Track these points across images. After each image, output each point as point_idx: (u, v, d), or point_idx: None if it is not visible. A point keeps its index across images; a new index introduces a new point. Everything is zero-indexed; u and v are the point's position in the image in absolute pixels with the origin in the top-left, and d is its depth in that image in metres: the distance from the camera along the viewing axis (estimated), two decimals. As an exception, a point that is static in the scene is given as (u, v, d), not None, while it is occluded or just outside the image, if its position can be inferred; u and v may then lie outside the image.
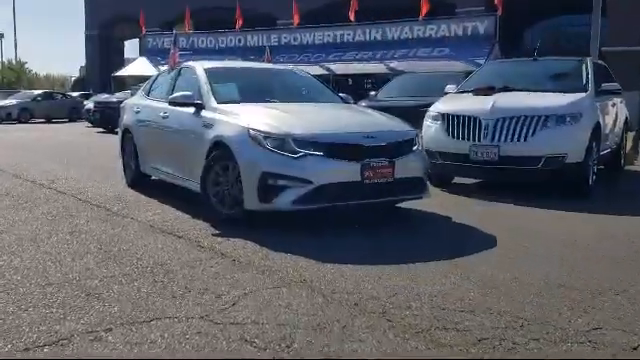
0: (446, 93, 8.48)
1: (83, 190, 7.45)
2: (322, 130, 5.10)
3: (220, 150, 5.34)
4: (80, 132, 20.17)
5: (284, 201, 4.90)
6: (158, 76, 7.76)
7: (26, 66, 62.48)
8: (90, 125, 22.49)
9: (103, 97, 25.60)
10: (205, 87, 6.05)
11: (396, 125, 5.69)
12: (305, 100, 6.34)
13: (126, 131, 7.76)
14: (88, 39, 43.47)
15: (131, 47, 47.28)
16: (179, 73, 6.92)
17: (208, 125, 5.62)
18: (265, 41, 30.19)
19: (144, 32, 34.71)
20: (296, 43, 28.99)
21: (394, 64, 24.66)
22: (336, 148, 4.96)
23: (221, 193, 5.40)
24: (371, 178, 4.98)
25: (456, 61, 23.31)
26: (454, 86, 8.68)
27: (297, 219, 5.39)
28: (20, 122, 27.32)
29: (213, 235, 5.02)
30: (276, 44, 28.91)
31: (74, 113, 28.86)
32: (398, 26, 26.67)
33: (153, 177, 7.33)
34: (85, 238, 4.92)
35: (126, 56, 45.89)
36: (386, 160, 5.07)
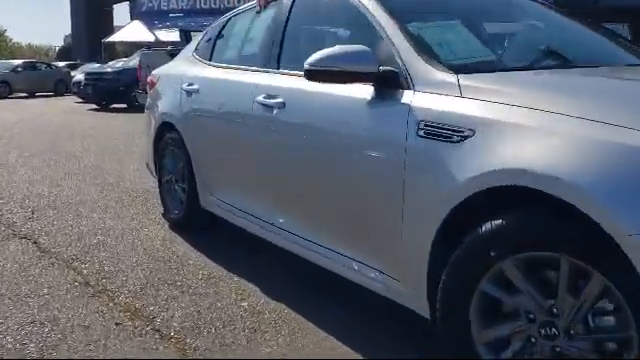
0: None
1: (87, 243, 3.84)
2: None
3: (535, 221, 1.74)
4: (69, 110, 16.39)
5: None
6: (228, 22, 4.01)
7: (6, 34, 57.72)
8: (80, 100, 18.74)
9: (94, 67, 21.87)
10: (401, 36, 2.38)
11: None
12: (603, 60, 2.68)
13: (166, 128, 4.10)
14: (74, 3, 39.13)
15: (119, 14, 42.85)
16: (291, 9, 3.20)
17: (443, 131, 2.00)
18: None
19: (137, -8, 30.68)
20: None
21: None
22: None
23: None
24: None
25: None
26: None
27: None
28: (-2, 97, 23.50)
29: None
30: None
31: (60, 86, 25.09)
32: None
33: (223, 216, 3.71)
34: None
35: (115, 24, 41.60)
36: None
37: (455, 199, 1.92)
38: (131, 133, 10.04)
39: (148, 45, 20.65)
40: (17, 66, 25.97)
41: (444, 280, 1.93)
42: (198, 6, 28.99)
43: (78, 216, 4.57)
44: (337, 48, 2.35)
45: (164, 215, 4.44)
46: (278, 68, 3.08)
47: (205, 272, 3.30)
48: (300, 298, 2.88)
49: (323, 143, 2.59)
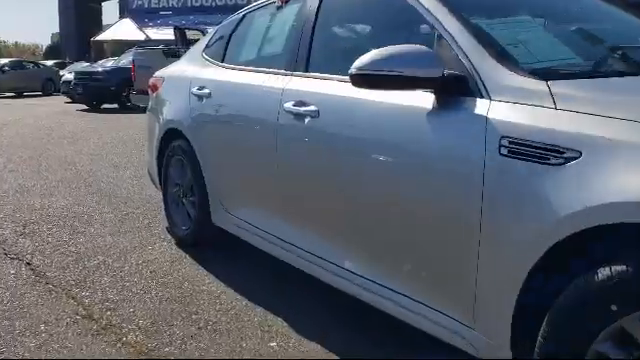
0: None
1: (86, 265, 3.46)
2: None
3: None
4: (59, 111, 15.89)
5: None
6: (243, 18, 3.60)
7: (-8, 33, 56.79)
8: (69, 100, 18.26)
9: (84, 66, 21.38)
10: (467, 34, 2.01)
11: None
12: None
13: (173, 135, 3.71)
14: (62, 1, 38.48)
15: (107, 12, 42.23)
16: (320, 3, 2.80)
17: (536, 150, 1.66)
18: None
19: (127, -11, 30.18)
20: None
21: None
22: None
23: None
24: None
25: None
26: None
27: None
28: (-16, 97, 22.93)
29: None
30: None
31: (49, 85, 24.48)
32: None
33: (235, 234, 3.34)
34: None
35: (104, 22, 40.99)
36: None
37: (554, 236, 1.56)
38: (124, 136, 9.65)
39: (141, 44, 20.15)
40: (4, 65, 25.37)
41: (545, 337, 1.57)
42: (190, 4, 28.51)
43: (74, 231, 4.17)
44: (392, 49, 1.98)
45: (169, 230, 4.06)
46: (307, 71, 2.71)
47: (223, 301, 2.92)
48: (336, 334, 2.52)
49: (370, 160, 2.21)
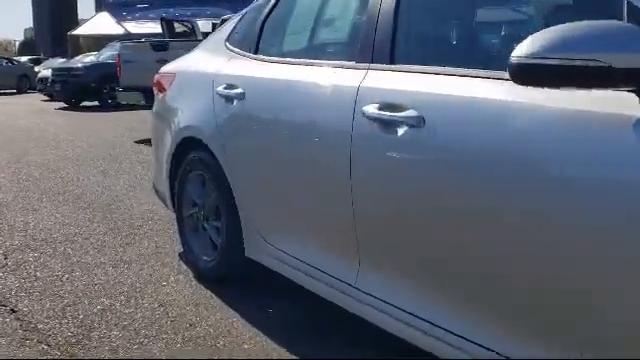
0: None
1: (88, 312, 2.79)
2: None
3: None
4: (36, 109, 14.99)
5: None
6: None
7: (-38, 28, 55.11)
8: (46, 98, 17.38)
9: (60, 62, 20.46)
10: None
11: None
12: None
13: (191, 145, 2.99)
14: (35, -6, 37.28)
15: (82, 6, 41.02)
16: None
17: None
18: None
19: (104, -18, 29.15)
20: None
21: None
22: None
23: None
24: None
25: None
26: None
27: None
28: (-45, 96, 21.80)
29: None
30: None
31: (24, 82, 23.47)
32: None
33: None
34: None
35: (80, 17, 39.78)
36: None
37: None
38: (110, 137, 8.91)
39: (121, 38, 19.24)
40: (-26, 62, 24.25)
41: None
42: (169, -6, 27.60)
43: (68, 261, 3.44)
44: (581, 27, 1.29)
45: (183, 258, 3.35)
46: (392, 62, 2.01)
47: (275, 366, 2.21)
48: None
49: (522, 192, 1.52)
